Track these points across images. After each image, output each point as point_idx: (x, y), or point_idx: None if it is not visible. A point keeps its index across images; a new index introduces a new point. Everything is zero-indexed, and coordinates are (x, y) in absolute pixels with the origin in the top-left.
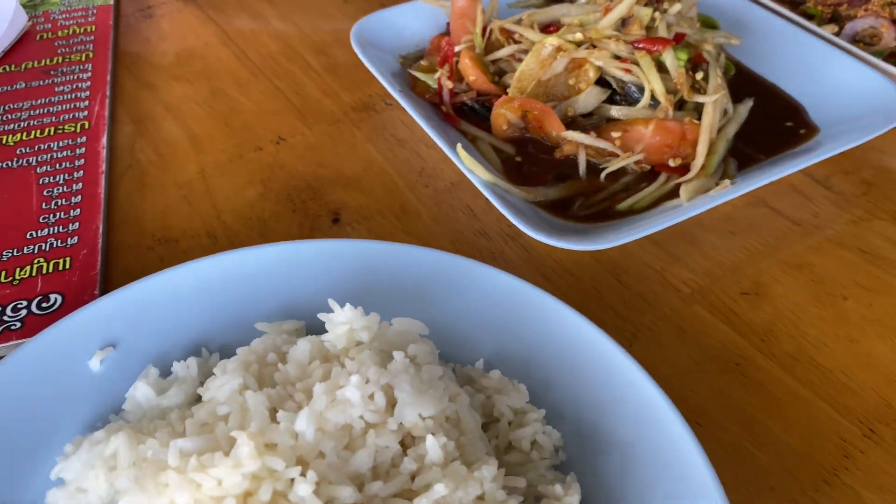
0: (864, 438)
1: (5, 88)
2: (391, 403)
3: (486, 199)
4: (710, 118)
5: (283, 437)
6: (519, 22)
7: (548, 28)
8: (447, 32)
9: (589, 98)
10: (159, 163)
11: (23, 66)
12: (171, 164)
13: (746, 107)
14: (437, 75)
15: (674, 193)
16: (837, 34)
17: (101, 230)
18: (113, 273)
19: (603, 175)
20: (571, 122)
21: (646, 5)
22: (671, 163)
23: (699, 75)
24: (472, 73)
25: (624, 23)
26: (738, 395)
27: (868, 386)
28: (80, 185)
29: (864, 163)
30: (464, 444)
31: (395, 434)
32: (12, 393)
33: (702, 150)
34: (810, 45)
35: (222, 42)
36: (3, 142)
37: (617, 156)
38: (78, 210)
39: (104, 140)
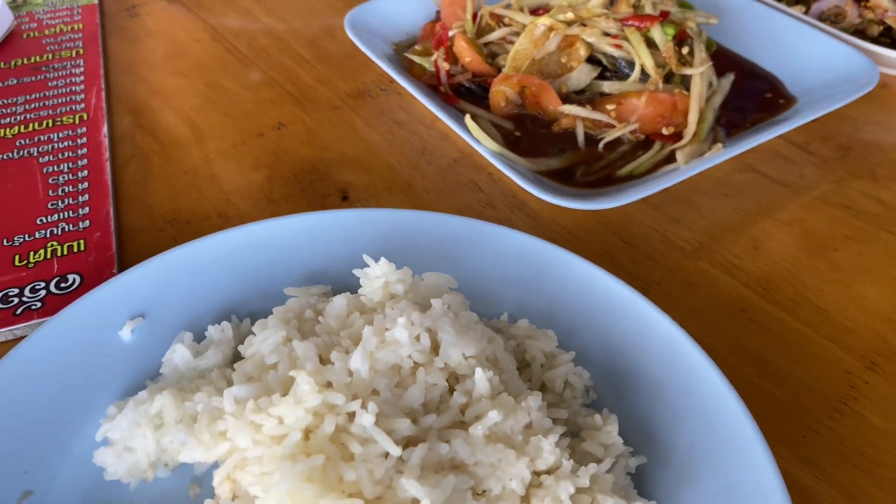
0: (867, 370)
1: None
2: (435, 345)
3: (489, 173)
4: (698, 88)
5: (339, 375)
6: (508, 7)
7: (536, 11)
8: (437, 20)
9: (581, 75)
10: (162, 151)
11: (12, 63)
12: (174, 152)
13: (728, 80)
14: (433, 58)
15: (669, 159)
16: (805, 13)
17: (112, 214)
18: (127, 254)
19: (601, 145)
20: (565, 98)
21: None
22: (664, 131)
23: (685, 50)
24: (468, 55)
25: (612, 2)
26: (747, 339)
27: (864, 325)
28: (86, 172)
29: (838, 130)
30: (505, 380)
31: (442, 372)
32: (47, 363)
33: (693, 117)
34: (782, 23)
35: (212, 38)
36: (3, 135)
37: (613, 126)
38: (87, 196)
39: (105, 129)
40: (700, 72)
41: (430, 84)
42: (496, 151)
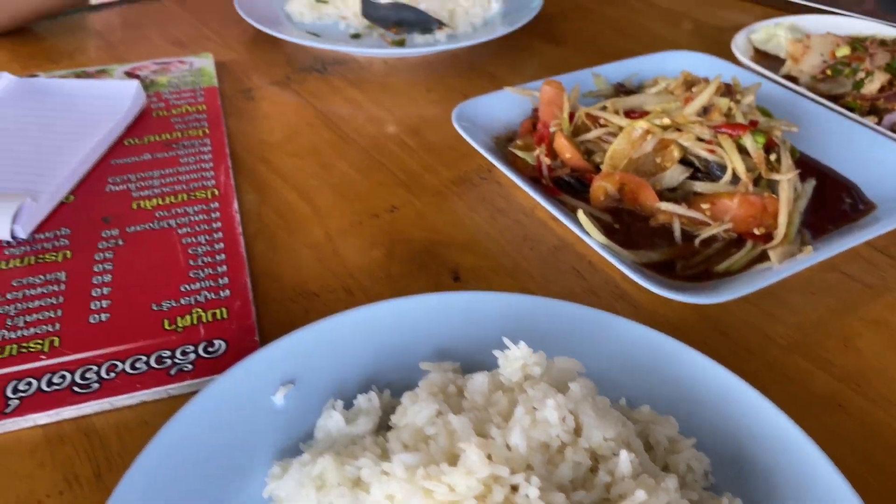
0: None
1: (134, 159)
2: (577, 426)
3: (590, 262)
4: (786, 193)
5: (500, 449)
6: (604, 108)
7: (630, 114)
8: (533, 117)
9: (674, 174)
10: (286, 226)
11: (145, 139)
12: (297, 228)
13: (811, 185)
14: (535, 153)
15: (761, 258)
16: (878, 124)
17: (249, 285)
18: (264, 323)
19: (698, 241)
20: (659, 195)
21: (721, 96)
22: (755, 231)
23: (772, 157)
24: (568, 152)
25: (705, 110)
26: (846, 432)
27: None
28: (222, 244)
29: None
30: (641, 462)
31: (585, 452)
32: (210, 422)
33: (783, 220)
34: (858, 132)
35: (323, 123)
36: (142, 206)
37: (708, 224)
38: (224, 266)
39: (235, 205)
40: (788, 178)
41: (531, 176)
42: (604, 244)
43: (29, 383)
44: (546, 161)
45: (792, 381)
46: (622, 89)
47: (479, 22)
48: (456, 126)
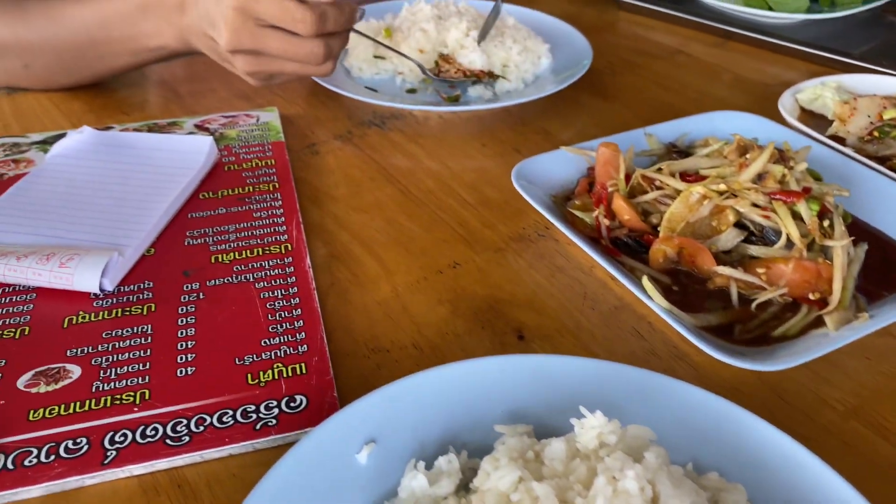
0: None
1: (209, 213)
2: (654, 495)
3: (650, 322)
4: (840, 259)
5: None
6: (659, 171)
7: (685, 176)
8: (589, 176)
9: (729, 237)
10: (356, 281)
11: (219, 193)
12: (366, 283)
13: (863, 249)
14: (595, 214)
15: (817, 323)
16: None
17: (325, 339)
18: (339, 378)
19: (754, 305)
20: (714, 257)
21: (775, 163)
22: (811, 296)
23: (825, 223)
24: (627, 213)
25: (760, 177)
26: None
27: None
28: (298, 299)
29: None
30: None
31: None
32: (301, 480)
33: (837, 286)
34: None
35: (384, 177)
36: (221, 260)
37: (764, 289)
38: (301, 322)
39: (308, 260)
40: (842, 244)
41: (589, 235)
42: (666, 308)
43: (124, 435)
44: (605, 222)
45: (850, 448)
46: (674, 149)
47: (529, 77)
48: (516, 185)
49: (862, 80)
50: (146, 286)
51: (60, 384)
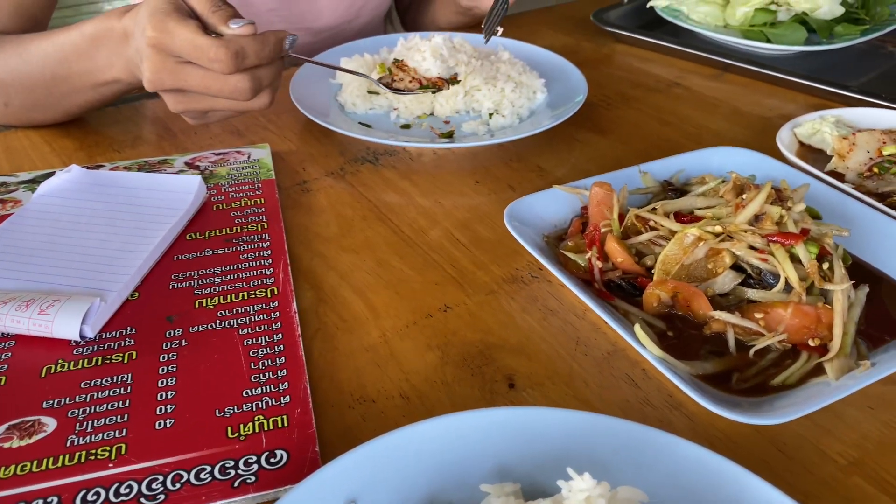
0: None
1: (196, 254)
2: None
3: (644, 369)
4: (840, 304)
5: None
6: (653, 211)
7: (680, 216)
8: (582, 216)
9: (726, 280)
10: (343, 326)
11: (206, 234)
12: (354, 328)
13: (864, 292)
14: (587, 256)
15: (817, 370)
16: None
17: (308, 389)
18: (323, 429)
19: (752, 352)
20: (710, 301)
21: (772, 204)
22: (810, 342)
23: (825, 265)
24: (620, 256)
25: (757, 218)
26: None
27: None
28: (282, 347)
29: None
30: None
31: None
32: None
33: (837, 332)
34: None
35: (376, 216)
36: (205, 304)
37: (762, 335)
38: (285, 371)
39: (294, 304)
40: (842, 288)
41: (582, 277)
42: (660, 357)
43: (97, 493)
44: (598, 264)
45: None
46: (669, 187)
47: (524, 112)
48: (508, 227)
49: (861, 113)
50: (128, 332)
51: (34, 438)
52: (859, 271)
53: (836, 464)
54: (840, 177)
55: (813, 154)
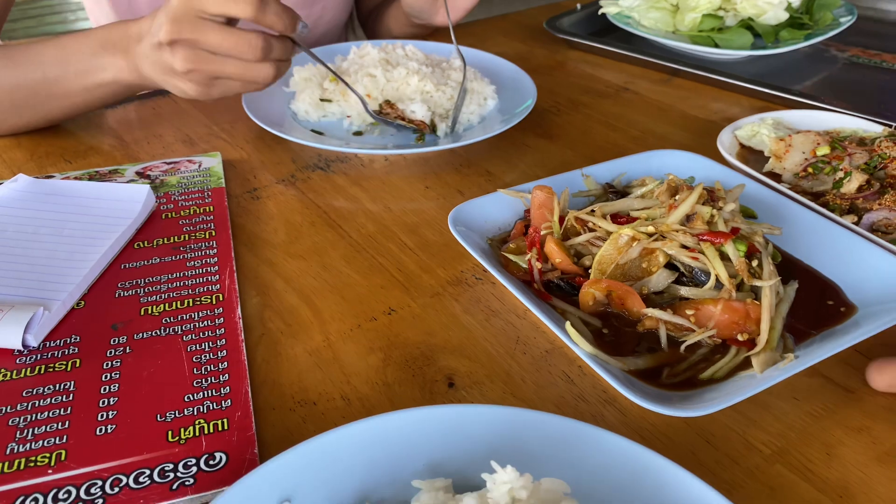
0: None
1: (143, 263)
2: None
3: (580, 367)
4: (768, 300)
5: None
6: (592, 213)
7: (617, 218)
8: (525, 219)
9: (660, 279)
10: (288, 331)
11: (154, 242)
12: (299, 332)
13: (793, 288)
14: (527, 257)
15: (746, 364)
16: (856, 224)
17: (249, 394)
18: (263, 432)
19: (683, 347)
20: (645, 299)
21: (704, 204)
22: (739, 337)
23: (754, 262)
24: (558, 256)
25: (688, 218)
26: None
27: None
28: (225, 352)
29: None
30: None
31: None
32: None
33: (764, 327)
34: (838, 233)
35: (325, 222)
36: (150, 312)
37: (693, 330)
38: (227, 375)
39: (238, 311)
40: (769, 284)
41: (524, 279)
42: (591, 353)
43: (35, 499)
44: (537, 265)
45: (775, 492)
46: (611, 189)
47: (475, 119)
48: (452, 231)
49: (801, 115)
50: (73, 341)
51: None
52: (791, 268)
53: (761, 453)
54: (777, 177)
55: (753, 155)
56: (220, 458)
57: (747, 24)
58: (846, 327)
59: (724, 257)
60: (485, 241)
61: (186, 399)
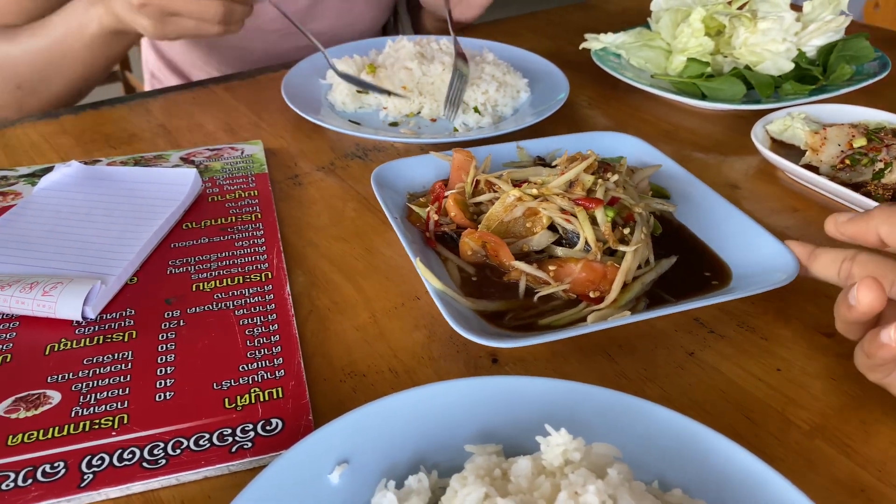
0: None
1: (192, 242)
2: None
3: (619, 346)
4: (627, 264)
5: None
6: (500, 177)
7: (520, 183)
8: (445, 180)
9: (541, 239)
10: (335, 308)
11: (202, 223)
12: (346, 309)
13: (669, 262)
14: (427, 210)
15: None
16: None
17: (301, 365)
18: (316, 401)
19: (536, 297)
20: (524, 256)
21: (593, 174)
22: (591, 294)
23: (626, 230)
24: (453, 211)
25: (571, 184)
26: None
27: None
28: (276, 326)
29: None
30: None
31: None
32: (273, 501)
33: (616, 287)
34: (737, 218)
35: (366, 207)
36: (202, 288)
37: (549, 284)
38: (279, 348)
39: (287, 288)
40: (632, 250)
41: (423, 229)
42: (438, 290)
43: (102, 458)
44: (434, 217)
45: (815, 466)
46: (539, 162)
47: (508, 111)
48: (373, 185)
49: (825, 109)
50: (128, 314)
51: (40, 409)
52: (686, 244)
53: (800, 429)
54: (815, 169)
55: (784, 150)
56: (277, 423)
57: (740, 73)
58: (709, 297)
59: (596, 223)
60: (404, 197)
61: (241, 369)
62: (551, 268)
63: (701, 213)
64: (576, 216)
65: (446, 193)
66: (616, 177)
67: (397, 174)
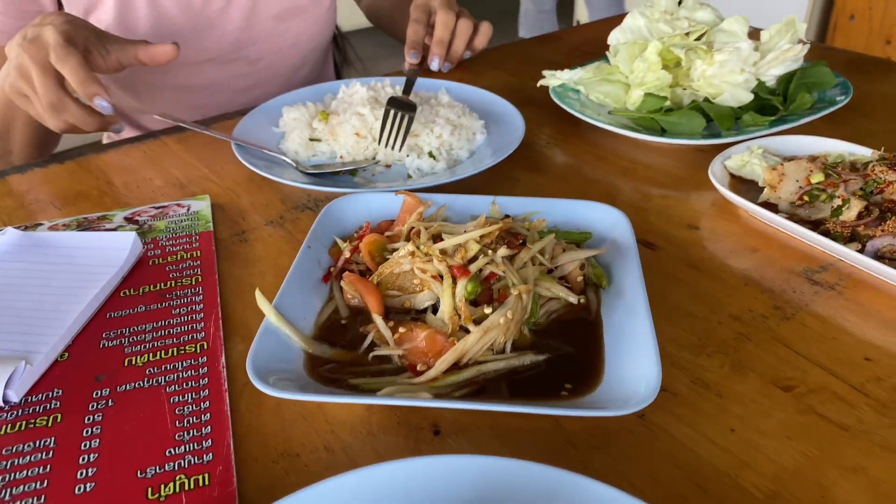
0: None
1: (129, 311)
2: None
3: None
4: (465, 344)
5: None
6: (427, 228)
7: (439, 238)
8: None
9: (423, 298)
10: None
11: (140, 289)
12: None
13: (535, 358)
14: (345, 246)
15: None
16: (861, 251)
17: (231, 446)
18: (244, 487)
19: (370, 356)
20: (406, 312)
21: (488, 246)
22: (419, 367)
23: (489, 310)
24: (364, 252)
25: (455, 249)
26: None
27: None
28: (208, 403)
29: (892, 372)
30: None
31: None
32: None
33: (439, 365)
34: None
35: None
36: (134, 362)
37: (387, 345)
38: (209, 427)
39: (223, 359)
40: (477, 331)
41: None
42: (273, 321)
43: None
44: (347, 254)
45: None
46: (505, 219)
47: (464, 154)
48: (320, 215)
49: (786, 141)
50: (55, 394)
51: None
52: (585, 342)
53: (754, 497)
54: (773, 207)
55: (744, 185)
56: None
57: (698, 107)
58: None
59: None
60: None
61: (168, 453)
62: (402, 330)
63: (622, 310)
64: (441, 282)
65: (366, 235)
66: (503, 251)
67: (358, 209)
